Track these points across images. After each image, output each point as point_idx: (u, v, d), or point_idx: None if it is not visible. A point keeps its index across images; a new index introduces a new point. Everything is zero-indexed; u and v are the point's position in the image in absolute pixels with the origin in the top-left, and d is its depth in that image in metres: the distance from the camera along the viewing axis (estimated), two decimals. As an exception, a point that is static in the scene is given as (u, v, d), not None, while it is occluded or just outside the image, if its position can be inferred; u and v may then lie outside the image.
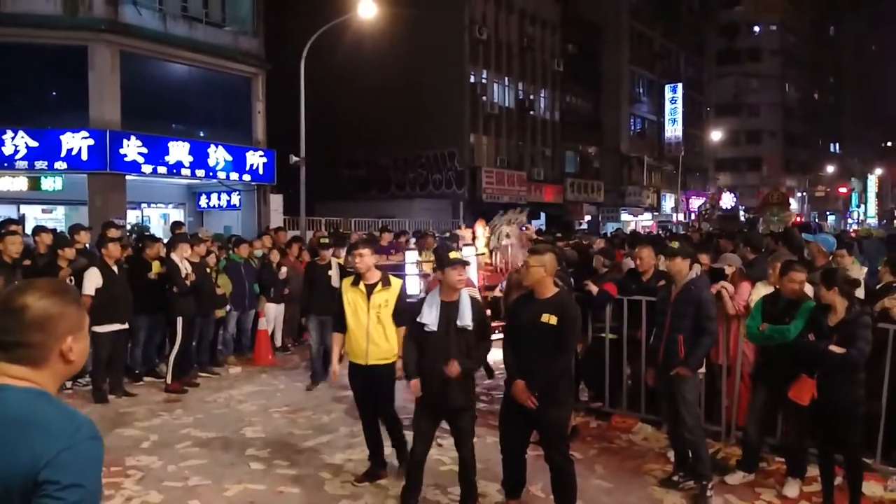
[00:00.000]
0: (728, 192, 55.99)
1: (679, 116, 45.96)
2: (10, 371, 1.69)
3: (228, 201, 21.28)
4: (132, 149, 17.54)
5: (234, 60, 20.52)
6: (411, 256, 11.14)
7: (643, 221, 42.01)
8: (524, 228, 11.60)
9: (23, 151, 16.69)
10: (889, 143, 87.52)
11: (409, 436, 5.17)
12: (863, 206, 75.52)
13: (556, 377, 4.57)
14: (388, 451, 5.70)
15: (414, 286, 9.68)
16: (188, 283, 8.56)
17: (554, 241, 11.37)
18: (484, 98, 31.94)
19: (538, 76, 35.46)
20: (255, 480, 5.56)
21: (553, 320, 4.47)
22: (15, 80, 16.93)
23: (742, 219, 28.97)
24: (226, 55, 20.25)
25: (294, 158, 19.00)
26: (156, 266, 8.86)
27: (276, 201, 21.82)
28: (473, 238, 11.34)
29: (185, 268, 8.65)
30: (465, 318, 4.69)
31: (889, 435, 5.65)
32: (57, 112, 17.73)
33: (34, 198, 17.75)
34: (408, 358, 4.86)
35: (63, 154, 16.87)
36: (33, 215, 17.86)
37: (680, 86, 46.58)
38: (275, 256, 10.90)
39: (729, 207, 50.76)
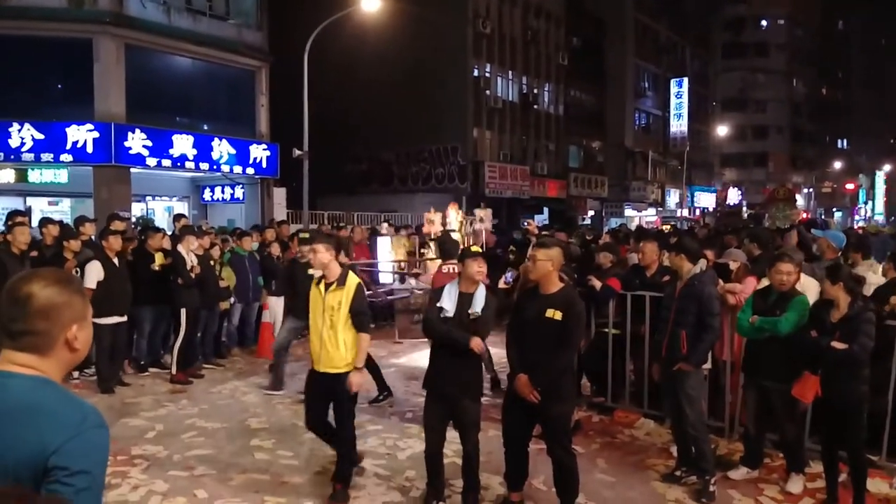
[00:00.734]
0: (734, 188, 55.87)
1: (684, 111, 45.80)
2: (17, 359, 1.71)
3: (232, 194, 21.31)
4: (137, 142, 17.57)
5: (238, 53, 20.50)
6: (384, 248, 11.04)
7: (647, 217, 41.92)
8: (526, 224, 11.65)
9: (29, 144, 16.73)
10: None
11: (414, 431, 5.14)
12: (870, 203, 75.13)
13: (560, 372, 4.57)
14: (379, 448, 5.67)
15: (387, 277, 9.63)
16: (193, 275, 8.59)
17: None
18: (487, 92, 31.84)
19: (542, 70, 35.34)
20: (260, 470, 5.60)
21: (558, 315, 4.47)
22: (20, 72, 16.98)
23: (745, 216, 28.84)
24: (230, 48, 20.22)
25: (297, 152, 19.01)
26: (159, 257, 8.88)
27: (280, 195, 21.83)
28: (444, 222, 11.30)
29: (192, 260, 8.67)
30: (476, 307, 4.71)
31: (894, 432, 5.63)
32: (62, 105, 17.75)
33: (22, 189, 17.75)
34: (437, 329, 4.79)
35: (68, 147, 16.89)
36: (39, 207, 17.98)
37: (685, 80, 46.37)
38: (275, 250, 10.91)
39: (734, 203, 50.67)
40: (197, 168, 19.15)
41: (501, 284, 10.37)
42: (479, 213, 11.41)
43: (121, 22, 17.61)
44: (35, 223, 9.91)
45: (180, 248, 8.69)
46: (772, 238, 8.41)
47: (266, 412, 7.30)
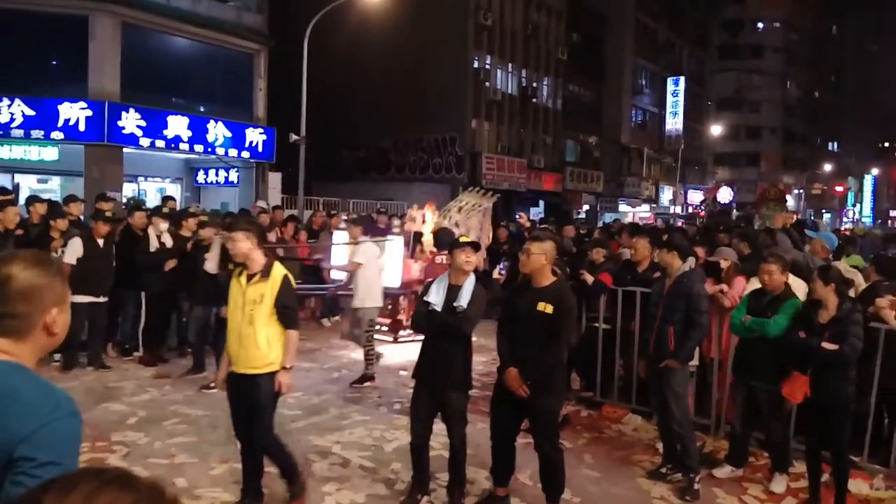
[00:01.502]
0: (726, 187, 55.96)
1: (680, 109, 45.88)
2: None
3: (226, 178, 21.21)
4: (131, 121, 17.41)
5: (237, 36, 20.35)
6: (339, 238, 10.84)
7: (641, 213, 42.02)
8: (518, 217, 11.57)
9: (19, 120, 16.51)
10: (886, 144, 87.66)
11: (402, 423, 5.09)
12: (859, 206, 75.65)
13: (551, 366, 4.56)
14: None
15: (338, 274, 9.45)
16: (157, 259, 8.39)
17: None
18: (487, 84, 31.79)
19: (542, 63, 35.26)
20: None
21: (549, 309, 4.46)
22: (14, 47, 16.77)
23: (734, 216, 28.84)
24: (229, 30, 20.07)
25: (294, 137, 18.94)
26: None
27: (275, 179, 21.71)
28: (423, 221, 11.24)
29: (163, 242, 8.49)
30: (462, 300, 4.65)
31: (876, 433, 5.70)
32: (56, 82, 17.59)
33: (10, 166, 17.54)
34: (423, 324, 4.83)
35: (60, 124, 16.71)
36: (28, 185, 17.81)
37: (682, 79, 46.46)
38: (272, 236, 10.85)
39: (727, 202, 50.77)
40: (191, 150, 19.01)
41: (496, 275, 10.38)
42: (467, 197, 11.07)
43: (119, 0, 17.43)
44: (23, 201, 9.81)
45: (150, 228, 8.57)
46: (761, 237, 8.42)
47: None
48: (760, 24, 63.31)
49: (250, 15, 20.83)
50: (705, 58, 55.48)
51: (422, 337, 4.96)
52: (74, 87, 17.11)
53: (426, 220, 11.11)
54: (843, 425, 4.95)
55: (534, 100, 34.86)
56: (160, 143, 18.20)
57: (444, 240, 7.98)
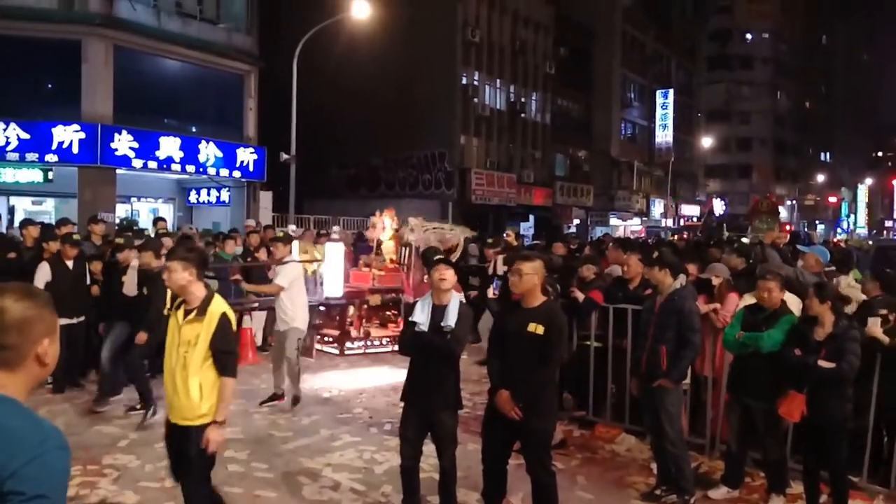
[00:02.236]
0: (718, 199, 56.20)
1: (670, 122, 46.09)
2: None
3: (218, 197, 21.26)
4: (123, 143, 17.47)
5: (228, 57, 20.46)
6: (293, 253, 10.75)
7: (632, 226, 42.10)
8: (506, 235, 11.52)
9: (14, 143, 16.59)
10: (879, 154, 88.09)
11: (392, 444, 5.05)
12: (853, 216, 75.85)
13: (542, 387, 4.53)
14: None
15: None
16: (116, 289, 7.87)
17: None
18: (475, 100, 31.94)
19: (530, 79, 35.46)
20: (232, 483, 5.46)
21: (540, 330, 4.44)
22: (8, 72, 16.87)
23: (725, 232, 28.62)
24: (219, 52, 20.17)
25: (284, 156, 19.00)
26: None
27: (266, 198, 21.80)
28: (382, 228, 11.25)
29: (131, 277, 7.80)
30: (449, 320, 4.64)
31: (876, 453, 5.62)
32: (49, 105, 17.66)
33: (4, 189, 17.58)
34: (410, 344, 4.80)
35: (54, 147, 16.78)
36: (23, 207, 17.84)
37: (671, 91, 46.68)
38: (262, 255, 10.82)
39: (720, 215, 50.94)
40: (183, 170, 19.06)
41: (490, 295, 10.35)
42: (413, 221, 11.21)
43: (110, 24, 17.53)
44: (17, 224, 9.76)
45: (119, 256, 7.99)
46: (754, 252, 8.43)
47: (242, 422, 7.13)
48: (749, 35, 63.76)
49: (240, 36, 20.94)
50: (694, 69, 55.73)
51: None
52: (68, 110, 17.19)
53: (385, 226, 11.13)
54: (841, 444, 4.90)
55: (522, 115, 35.01)
56: (152, 164, 18.26)
57: (432, 260, 7.97)
